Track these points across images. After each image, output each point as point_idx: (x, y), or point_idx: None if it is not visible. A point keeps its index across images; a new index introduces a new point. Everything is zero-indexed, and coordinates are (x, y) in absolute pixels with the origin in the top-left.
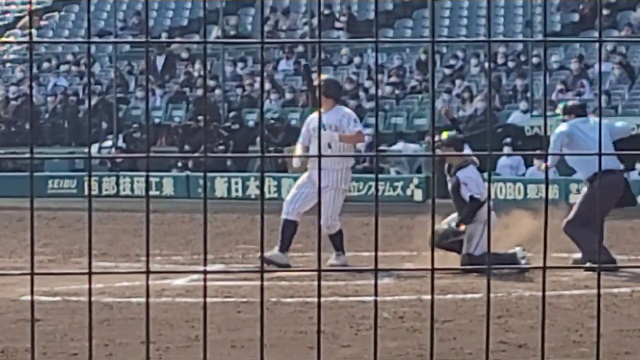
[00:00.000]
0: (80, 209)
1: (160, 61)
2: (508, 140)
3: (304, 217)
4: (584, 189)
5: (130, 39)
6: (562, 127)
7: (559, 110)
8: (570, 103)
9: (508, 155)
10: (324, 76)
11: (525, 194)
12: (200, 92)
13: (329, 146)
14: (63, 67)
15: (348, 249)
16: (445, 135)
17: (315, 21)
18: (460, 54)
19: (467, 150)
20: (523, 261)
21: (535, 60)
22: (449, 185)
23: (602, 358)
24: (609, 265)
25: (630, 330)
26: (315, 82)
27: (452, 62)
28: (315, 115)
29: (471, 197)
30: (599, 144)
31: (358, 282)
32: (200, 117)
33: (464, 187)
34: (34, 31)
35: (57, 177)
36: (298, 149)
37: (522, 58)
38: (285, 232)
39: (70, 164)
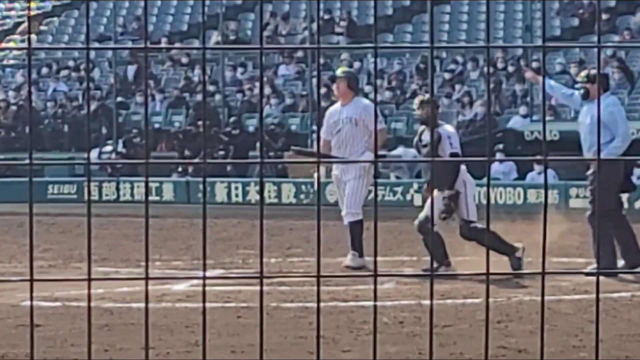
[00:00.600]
0: (80, 214)
1: (131, 71)
2: (501, 146)
3: (303, 223)
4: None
5: (129, 44)
6: (613, 104)
7: (579, 78)
8: (593, 71)
9: (500, 161)
10: (343, 69)
11: (525, 198)
12: (200, 97)
13: (351, 139)
14: (63, 73)
15: (347, 254)
16: (426, 96)
17: (315, 26)
18: (459, 58)
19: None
20: (520, 260)
21: (535, 64)
22: (423, 149)
23: None
24: (608, 270)
25: (630, 335)
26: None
27: (451, 66)
28: (333, 108)
29: (452, 154)
30: (597, 149)
31: (358, 287)
32: (200, 122)
33: (447, 140)
34: (33, 37)
35: (57, 182)
36: (322, 144)
37: (522, 63)
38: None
39: (70, 170)
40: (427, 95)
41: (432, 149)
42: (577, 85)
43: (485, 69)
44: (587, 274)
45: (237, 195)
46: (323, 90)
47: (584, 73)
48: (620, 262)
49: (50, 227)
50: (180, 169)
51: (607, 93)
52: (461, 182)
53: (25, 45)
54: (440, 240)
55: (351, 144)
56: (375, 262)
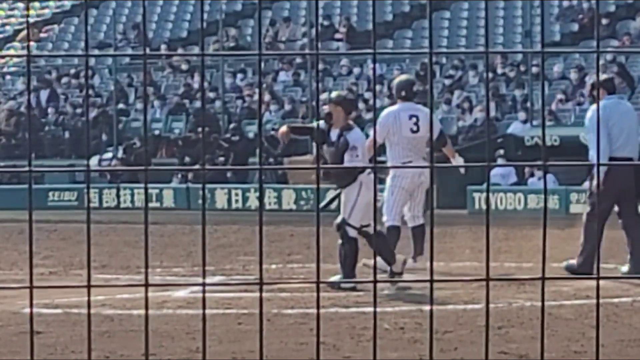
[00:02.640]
0: (80, 221)
1: (43, 95)
2: (501, 152)
3: (303, 229)
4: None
5: (129, 51)
6: (603, 103)
7: (587, 88)
8: (602, 77)
9: (501, 166)
10: (404, 76)
11: (526, 204)
12: (199, 103)
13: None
14: (63, 80)
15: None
16: (335, 93)
17: (314, 32)
18: (459, 64)
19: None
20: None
21: (534, 70)
22: (329, 147)
23: None
24: (610, 276)
25: (631, 340)
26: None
27: (451, 72)
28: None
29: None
30: (597, 156)
31: (358, 293)
32: (200, 129)
33: (353, 152)
34: (33, 44)
35: (57, 189)
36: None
37: (522, 68)
38: (390, 239)
39: (70, 176)
40: (334, 93)
41: (431, 155)
42: (585, 92)
43: (485, 75)
44: (588, 278)
45: (237, 202)
46: (322, 96)
47: (591, 81)
48: (624, 268)
49: (51, 234)
50: (180, 175)
51: (608, 96)
52: (356, 187)
53: (25, 52)
54: (385, 240)
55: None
56: (374, 268)
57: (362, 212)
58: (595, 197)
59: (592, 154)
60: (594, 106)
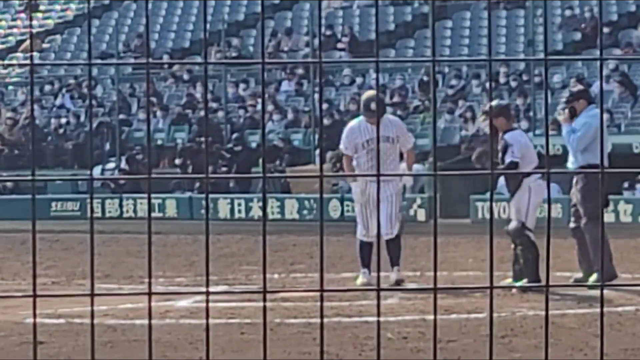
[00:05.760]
0: (83, 231)
1: None
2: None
3: (306, 239)
4: (579, 185)
5: (131, 62)
6: (591, 116)
7: (562, 100)
8: (575, 89)
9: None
10: (371, 92)
11: None
12: (202, 113)
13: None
14: (64, 90)
15: (351, 269)
16: (494, 103)
17: (317, 42)
18: (462, 73)
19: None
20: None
21: (536, 79)
22: (500, 153)
23: None
24: (613, 283)
25: (634, 349)
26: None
27: (454, 82)
28: (356, 125)
29: (510, 163)
30: (601, 162)
31: (361, 302)
32: (203, 139)
33: (509, 149)
34: (35, 54)
35: (60, 199)
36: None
37: (524, 77)
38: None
39: (73, 186)
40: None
41: (434, 163)
42: (559, 107)
43: (487, 84)
44: (591, 287)
45: (240, 211)
46: (325, 106)
47: (566, 94)
48: (578, 275)
49: (54, 244)
50: (182, 183)
51: (592, 106)
52: (526, 191)
53: (27, 62)
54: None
55: (384, 161)
56: (378, 278)
57: (534, 216)
58: (589, 205)
59: (592, 158)
60: (592, 112)
